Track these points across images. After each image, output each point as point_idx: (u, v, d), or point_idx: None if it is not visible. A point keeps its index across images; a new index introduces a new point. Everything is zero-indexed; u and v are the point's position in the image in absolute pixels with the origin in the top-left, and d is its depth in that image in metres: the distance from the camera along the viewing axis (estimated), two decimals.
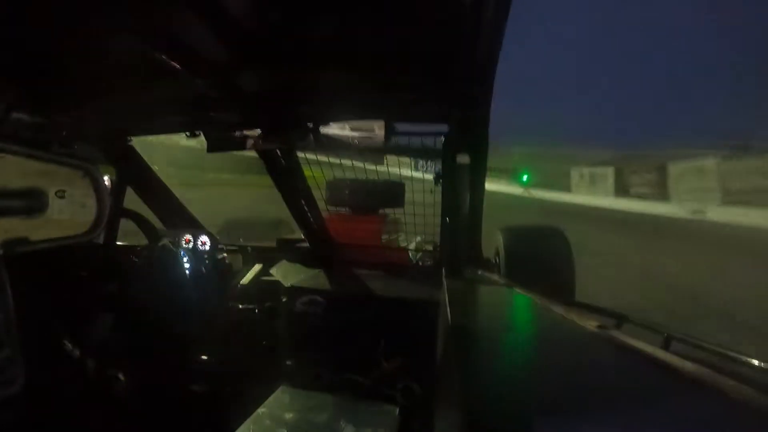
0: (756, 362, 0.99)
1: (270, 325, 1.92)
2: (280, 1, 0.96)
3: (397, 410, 1.47)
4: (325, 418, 1.43)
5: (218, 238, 2.25)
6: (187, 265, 2.03)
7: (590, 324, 1.00)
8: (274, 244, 2.39)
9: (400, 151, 1.77)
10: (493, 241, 2.78)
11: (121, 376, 1.72)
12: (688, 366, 0.70)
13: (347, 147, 1.53)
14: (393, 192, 2.62)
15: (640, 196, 21.22)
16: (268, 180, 1.84)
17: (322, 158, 1.85)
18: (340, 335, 1.79)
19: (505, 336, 1.03)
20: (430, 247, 2.46)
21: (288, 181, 1.89)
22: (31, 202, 1.37)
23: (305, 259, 2.23)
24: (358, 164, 2.32)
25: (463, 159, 1.54)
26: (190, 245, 2.12)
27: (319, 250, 2.24)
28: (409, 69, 1.26)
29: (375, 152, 1.75)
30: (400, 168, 2.35)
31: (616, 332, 0.95)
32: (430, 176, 1.92)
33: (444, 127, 1.61)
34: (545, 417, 0.56)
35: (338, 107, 1.51)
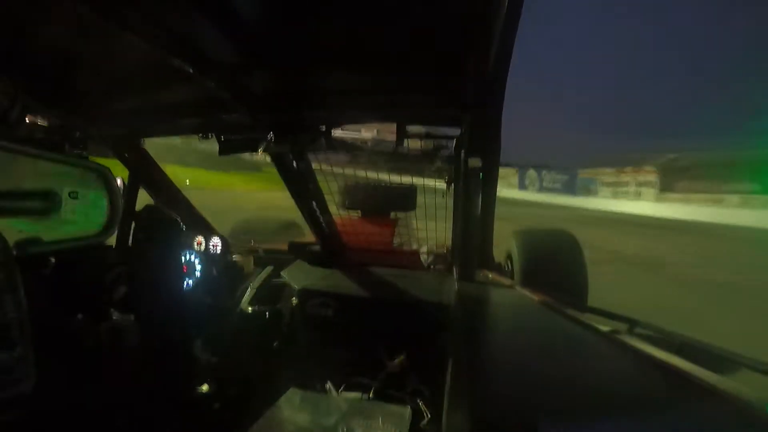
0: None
1: (281, 327, 1.92)
2: (292, 3, 0.96)
3: (408, 412, 1.46)
4: (336, 420, 1.42)
5: (230, 240, 2.26)
6: (198, 267, 2.04)
7: (602, 329, 0.99)
8: (285, 246, 2.39)
9: (412, 153, 1.76)
10: (505, 245, 2.77)
11: (130, 378, 1.73)
12: (701, 372, 0.69)
13: (359, 150, 1.53)
14: (405, 195, 2.62)
15: None
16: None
17: (335, 161, 1.85)
18: (350, 337, 1.79)
19: (516, 340, 1.02)
20: (441, 251, 2.45)
21: (300, 183, 1.89)
22: (45, 203, 1.38)
23: (316, 261, 2.23)
24: (370, 166, 2.33)
25: (475, 162, 1.53)
26: (202, 247, 2.13)
27: (331, 252, 2.24)
28: (421, 71, 1.26)
29: (387, 155, 1.75)
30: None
31: (628, 337, 0.94)
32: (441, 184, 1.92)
33: (456, 130, 1.60)
34: (555, 421, 0.56)
35: (350, 110, 1.52)
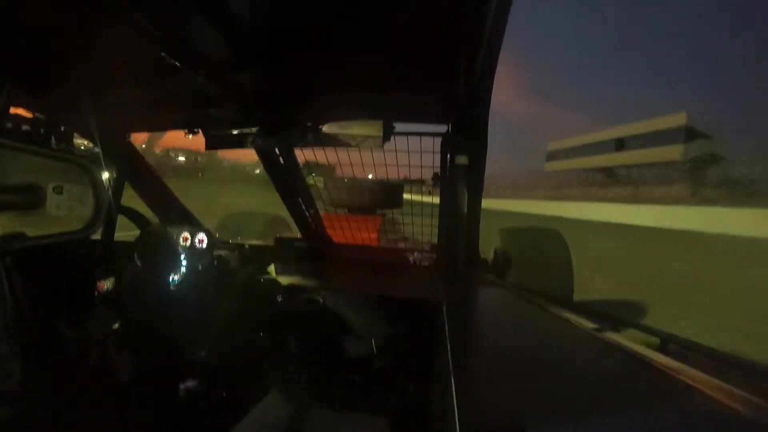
0: (753, 366, 0.99)
1: (266, 324, 1.92)
2: (282, 1, 0.96)
3: (393, 410, 1.47)
4: (321, 417, 1.43)
5: (216, 235, 2.24)
6: (184, 263, 2.03)
7: (587, 326, 1.01)
8: (271, 242, 2.39)
9: (399, 151, 1.77)
10: (492, 243, 2.79)
11: (116, 374, 1.72)
12: (684, 369, 0.70)
13: (346, 146, 1.53)
14: (392, 192, 2.62)
15: None
16: None
17: (321, 158, 1.85)
18: (336, 335, 1.79)
19: (501, 337, 1.03)
20: (428, 248, 2.46)
21: (286, 180, 1.89)
22: (30, 198, 1.37)
23: (303, 258, 2.23)
24: (357, 164, 2.33)
25: (462, 160, 1.54)
26: (188, 242, 2.12)
27: (317, 249, 2.24)
28: (409, 69, 1.26)
29: (374, 152, 1.75)
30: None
31: (613, 334, 0.95)
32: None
33: (443, 128, 1.61)
34: (540, 419, 0.56)
35: (337, 107, 1.51)
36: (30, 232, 1.39)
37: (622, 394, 0.65)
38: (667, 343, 1.20)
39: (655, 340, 1.24)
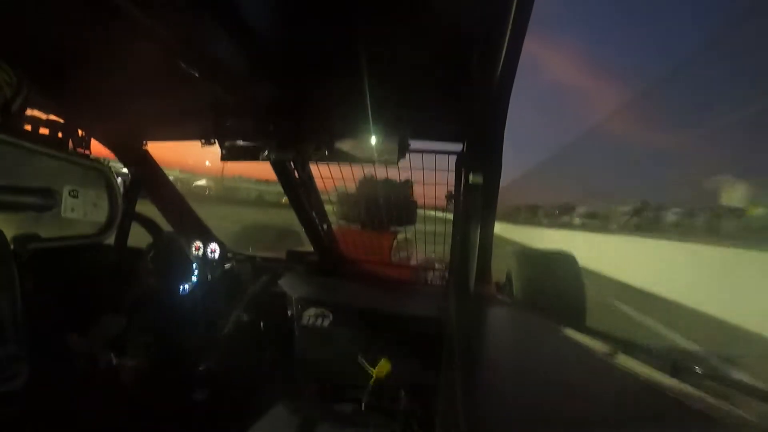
0: (764, 392, 0.97)
1: (276, 336, 1.91)
2: (300, 15, 0.97)
3: (400, 427, 1.45)
4: (327, 431, 1.42)
5: (228, 247, 2.25)
6: (195, 272, 2.03)
7: (597, 348, 0.99)
8: (283, 255, 2.39)
9: (413, 168, 1.77)
10: (505, 264, 2.76)
11: (124, 381, 1.72)
12: (694, 394, 0.69)
13: (360, 162, 1.54)
14: (405, 209, 2.62)
15: None
16: None
17: (335, 172, 1.85)
18: (345, 349, 1.78)
19: (511, 358, 1.02)
20: (440, 266, 2.44)
21: (300, 193, 1.90)
22: (45, 200, 1.38)
23: (314, 271, 2.23)
24: (371, 179, 2.33)
25: (476, 178, 1.53)
26: (200, 252, 2.13)
27: (329, 263, 2.24)
28: (425, 87, 1.27)
29: (388, 168, 1.75)
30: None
31: (623, 357, 0.94)
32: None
33: (457, 146, 1.61)
34: None
35: (353, 122, 1.52)
36: (44, 234, 1.40)
37: (633, 418, 0.64)
38: (677, 368, 1.17)
39: (666, 364, 1.22)
